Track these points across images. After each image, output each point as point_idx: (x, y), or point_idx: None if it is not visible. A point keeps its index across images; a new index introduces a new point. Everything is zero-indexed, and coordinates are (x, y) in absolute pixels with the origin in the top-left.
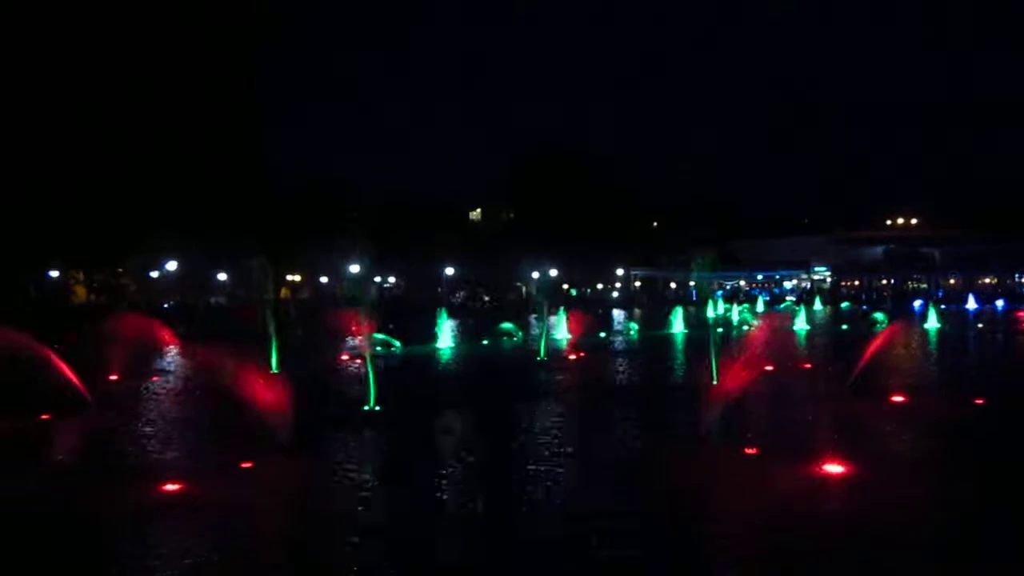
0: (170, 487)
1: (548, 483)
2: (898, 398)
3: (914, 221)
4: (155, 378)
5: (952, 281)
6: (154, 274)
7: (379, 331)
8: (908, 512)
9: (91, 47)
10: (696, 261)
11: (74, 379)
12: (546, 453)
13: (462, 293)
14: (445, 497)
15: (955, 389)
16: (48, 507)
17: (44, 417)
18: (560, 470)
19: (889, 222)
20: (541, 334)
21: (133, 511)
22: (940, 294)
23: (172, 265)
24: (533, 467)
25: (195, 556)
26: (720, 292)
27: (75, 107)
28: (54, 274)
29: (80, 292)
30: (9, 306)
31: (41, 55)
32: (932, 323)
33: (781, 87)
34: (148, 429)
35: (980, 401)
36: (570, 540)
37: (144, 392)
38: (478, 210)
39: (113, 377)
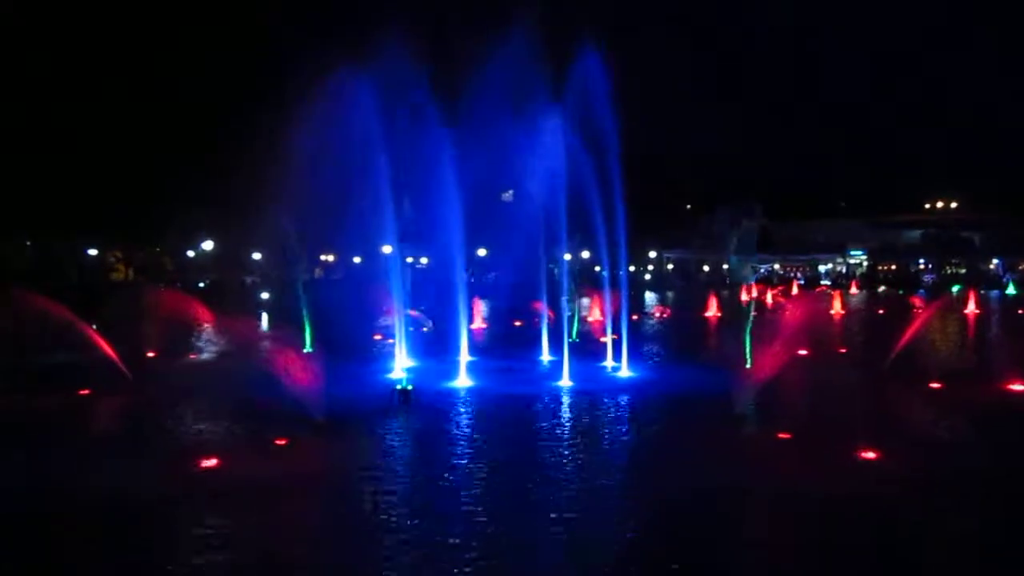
0: (206, 463)
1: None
2: (934, 384)
3: (954, 205)
4: (192, 356)
5: (992, 265)
6: (190, 253)
7: (411, 311)
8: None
9: (120, 25)
10: (731, 244)
11: (113, 356)
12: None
13: (494, 274)
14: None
15: (993, 374)
16: (86, 482)
17: (84, 393)
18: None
19: (928, 205)
20: (573, 315)
21: (169, 487)
22: (1008, 279)
23: (208, 244)
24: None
25: (231, 532)
26: (754, 276)
27: (108, 89)
28: (93, 252)
29: (121, 270)
30: (48, 283)
31: (74, 37)
32: (971, 308)
33: (817, 68)
34: (184, 406)
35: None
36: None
37: (181, 369)
38: (510, 191)
39: (151, 354)
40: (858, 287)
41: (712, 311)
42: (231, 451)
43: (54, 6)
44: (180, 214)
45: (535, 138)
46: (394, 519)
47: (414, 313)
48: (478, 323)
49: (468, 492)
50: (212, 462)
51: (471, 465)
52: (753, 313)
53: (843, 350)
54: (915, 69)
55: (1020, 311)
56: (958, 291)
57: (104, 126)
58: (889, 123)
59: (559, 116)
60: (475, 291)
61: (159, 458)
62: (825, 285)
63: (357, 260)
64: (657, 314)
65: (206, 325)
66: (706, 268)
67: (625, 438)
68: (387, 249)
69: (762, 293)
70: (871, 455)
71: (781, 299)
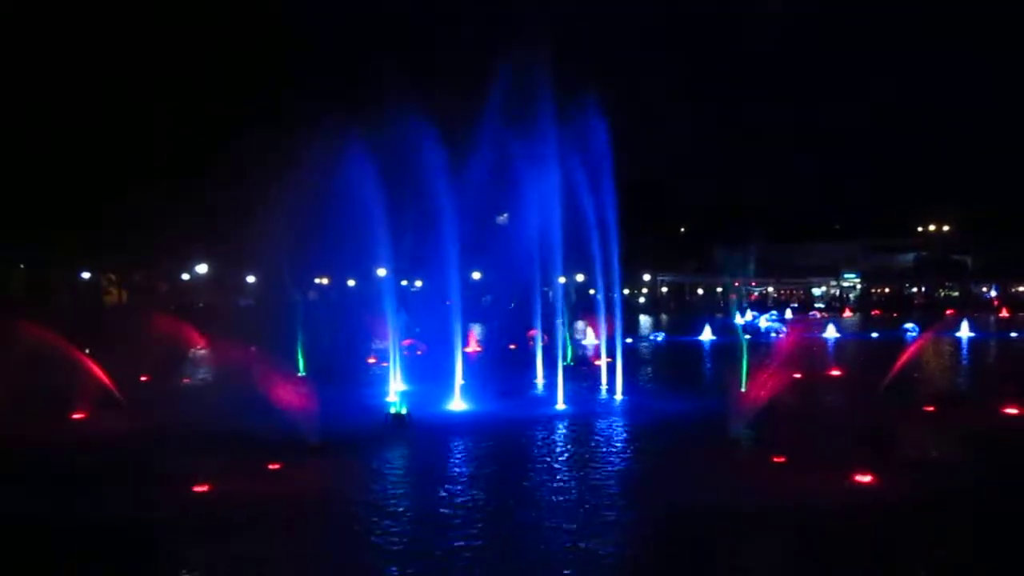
0: (199, 489)
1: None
2: (928, 408)
3: (946, 228)
4: (185, 380)
5: (984, 289)
6: (185, 276)
7: (405, 334)
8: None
9: (114, 49)
10: (724, 267)
11: (105, 380)
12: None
13: (489, 297)
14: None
15: (987, 399)
16: (79, 508)
17: (76, 417)
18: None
19: (920, 228)
20: (567, 339)
21: (162, 513)
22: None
23: (202, 267)
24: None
25: (213, 561)
26: (745, 301)
27: (108, 116)
28: (86, 275)
29: (114, 293)
30: (42, 307)
31: (74, 63)
32: (964, 332)
33: (812, 93)
34: (177, 430)
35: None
36: None
37: (173, 393)
38: (505, 215)
39: (144, 378)
40: (851, 311)
41: (706, 335)
42: (221, 476)
43: (54, 29)
44: (174, 237)
45: (531, 162)
46: (385, 547)
47: (408, 343)
48: (473, 346)
49: (464, 523)
50: (202, 487)
51: (468, 493)
52: (747, 337)
53: (837, 373)
54: (909, 94)
55: (1012, 334)
56: (950, 315)
57: (99, 146)
58: (883, 147)
59: (555, 141)
60: (465, 315)
61: (149, 482)
62: (818, 309)
63: (351, 283)
64: (652, 337)
65: (199, 348)
66: (700, 291)
67: (622, 464)
68: (382, 272)
69: (756, 317)
70: (866, 478)
71: (775, 323)
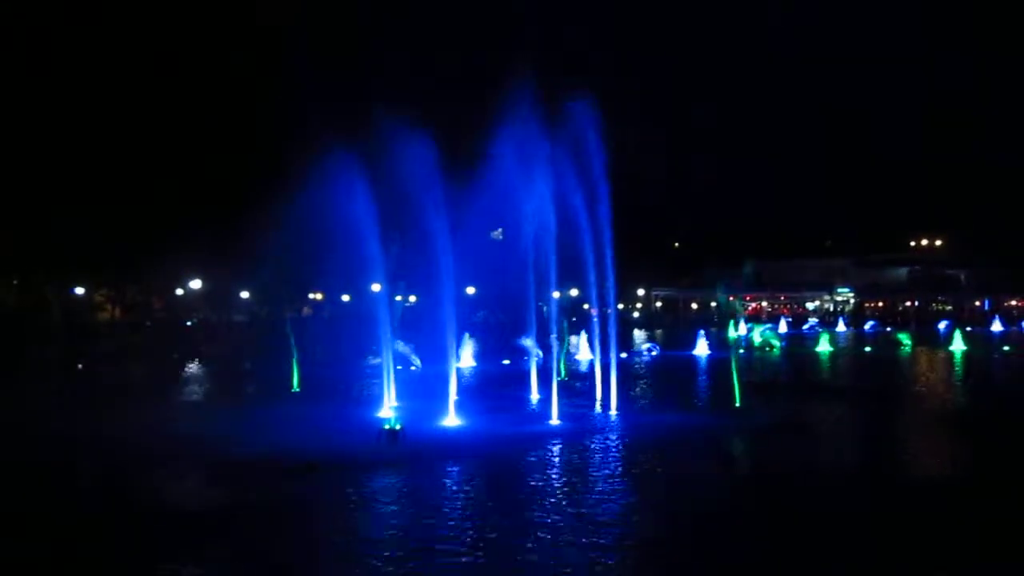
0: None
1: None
2: (924, 418)
3: (939, 243)
4: (179, 396)
5: (977, 303)
6: (179, 292)
7: (399, 349)
8: None
9: (117, 70)
10: (718, 282)
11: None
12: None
13: (482, 312)
14: None
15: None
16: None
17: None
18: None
19: (913, 243)
20: (561, 353)
21: (151, 531)
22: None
23: (196, 283)
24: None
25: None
26: (741, 316)
27: (101, 129)
28: (80, 291)
29: (108, 309)
30: (37, 324)
31: (72, 77)
32: (957, 345)
33: (805, 110)
34: (174, 447)
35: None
36: None
37: (171, 409)
38: (500, 230)
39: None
40: (845, 325)
41: (701, 349)
42: (203, 504)
43: (48, 46)
44: (170, 253)
45: (526, 177)
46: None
47: (402, 348)
48: (467, 362)
49: (459, 548)
50: (179, 512)
51: (464, 516)
52: (741, 351)
53: (833, 387)
54: (900, 109)
55: (1005, 347)
56: (943, 328)
57: (97, 160)
58: (874, 162)
59: (549, 157)
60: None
61: (134, 496)
62: (813, 323)
63: (346, 298)
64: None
65: (193, 365)
66: (694, 306)
67: (618, 484)
68: (376, 287)
69: (750, 330)
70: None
71: (769, 335)
